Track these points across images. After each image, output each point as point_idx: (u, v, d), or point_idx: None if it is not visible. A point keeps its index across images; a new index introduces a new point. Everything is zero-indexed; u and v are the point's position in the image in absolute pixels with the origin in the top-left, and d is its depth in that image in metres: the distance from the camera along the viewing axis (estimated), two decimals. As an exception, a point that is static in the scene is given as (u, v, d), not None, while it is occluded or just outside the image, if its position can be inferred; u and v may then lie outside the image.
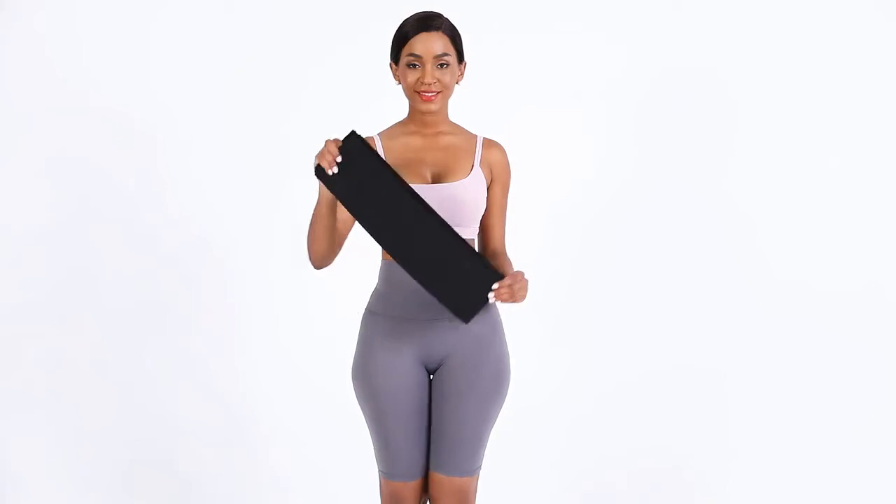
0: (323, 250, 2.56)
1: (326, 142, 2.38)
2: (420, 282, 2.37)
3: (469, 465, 2.63)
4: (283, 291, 3.96)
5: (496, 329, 2.65)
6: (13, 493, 3.80)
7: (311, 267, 2.61)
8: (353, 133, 2.36)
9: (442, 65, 2.56)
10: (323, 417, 3.89)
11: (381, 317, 2.63)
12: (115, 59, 3.89)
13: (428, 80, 2.55)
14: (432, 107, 2.59)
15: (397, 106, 2.78)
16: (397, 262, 2.40)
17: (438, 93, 2.58)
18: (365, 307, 2.69)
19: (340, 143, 2.37)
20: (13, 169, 3.86)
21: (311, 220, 2.54)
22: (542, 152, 3.77)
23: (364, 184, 2.36)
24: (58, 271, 3.88)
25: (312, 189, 2.59)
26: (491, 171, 2.65)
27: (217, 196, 3.94)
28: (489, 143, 2.67)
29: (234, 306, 3.96)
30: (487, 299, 2.35)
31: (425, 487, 2.69)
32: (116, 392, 3.89)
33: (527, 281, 2.38)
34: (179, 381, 3.91)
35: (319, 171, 2.38)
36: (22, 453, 3.84)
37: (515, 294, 2.36)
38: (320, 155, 2.38)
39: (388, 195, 2.35)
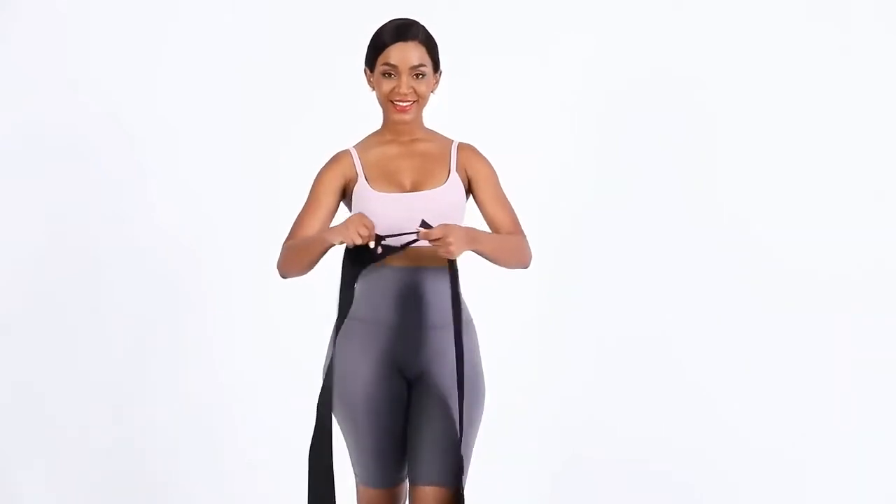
0: (300, 272, 2.56)
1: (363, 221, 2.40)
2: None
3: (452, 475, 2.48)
4: (283, 294, 3.96)
5: (471, 338, 2.60)
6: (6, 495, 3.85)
7: (279, 274, 2.59)
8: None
9: (418, 75, 2.55)
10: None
11: (354, 321, 2.56)
12: (115, 60, 3.91)
13: (403, 90, 2.54)
14: (406, 117, 2.58)
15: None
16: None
17: (413, 102, 2.57)
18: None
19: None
20: (13, 169, 3.89)
21: (300, 248, 2.52)
22: (520, 158, 3.70)
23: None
24: (58, 272, 3.91)
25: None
26: (467, 172, 2.63)
27: (217, 197, 3.94)
28: (462, 147, 2.65)
29: (236, 310, 3.96)
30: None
31: (402, 497, 2.65)
32: (111, 397, 3.92)
33: (455, 233, 2.37)
34: (173, 387, 3.93)
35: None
36: (13, 456, 3.89)
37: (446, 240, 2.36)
38: (360, 228, 2.39)
39: None
